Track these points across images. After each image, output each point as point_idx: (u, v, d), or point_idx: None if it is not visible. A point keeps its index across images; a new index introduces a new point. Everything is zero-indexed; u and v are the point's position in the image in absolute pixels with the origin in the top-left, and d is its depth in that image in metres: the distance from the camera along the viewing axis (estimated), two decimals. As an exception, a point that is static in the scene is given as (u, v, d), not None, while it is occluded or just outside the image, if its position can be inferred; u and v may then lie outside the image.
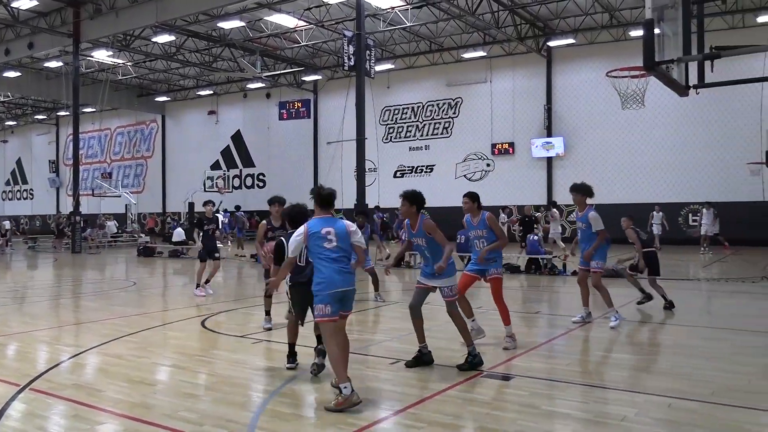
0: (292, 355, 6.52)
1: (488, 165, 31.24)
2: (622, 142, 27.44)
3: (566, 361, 7.12)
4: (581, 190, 9.02)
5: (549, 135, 29.29)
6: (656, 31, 6.45)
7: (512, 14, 26.21)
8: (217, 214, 20.97)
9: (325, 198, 5.67)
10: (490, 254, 7.35)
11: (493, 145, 30.90)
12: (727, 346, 7.54)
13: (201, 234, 12.46)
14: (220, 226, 16.59)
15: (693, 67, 7.07)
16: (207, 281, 12.33)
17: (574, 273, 15.26)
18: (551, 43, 28.33)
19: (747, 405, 5.19)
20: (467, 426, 4.79)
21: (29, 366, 6.88)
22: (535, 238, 16.60)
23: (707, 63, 6.80)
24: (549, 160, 29.43)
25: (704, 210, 21.77)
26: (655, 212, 23.22)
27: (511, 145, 30.40)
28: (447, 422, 4.81)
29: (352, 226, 5.69)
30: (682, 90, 7.12)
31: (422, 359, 6.56)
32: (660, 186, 26.36)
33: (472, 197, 7.58)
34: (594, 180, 27.99)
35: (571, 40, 27.65)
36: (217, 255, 12.49)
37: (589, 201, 9.12)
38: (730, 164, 24.72)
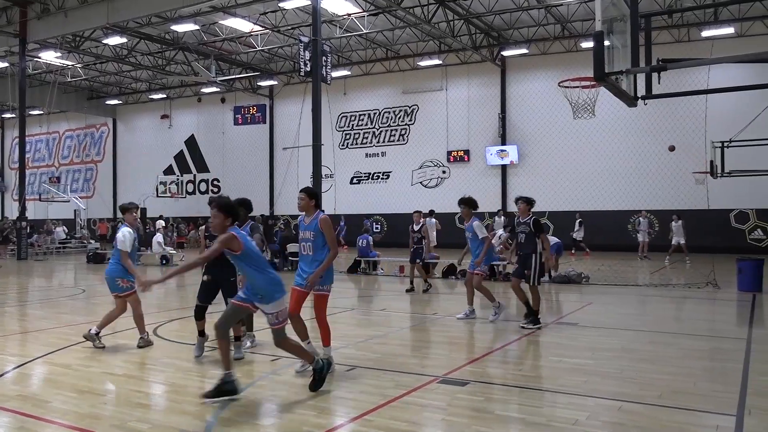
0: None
1: (444, 172, 31.54)
2: (573, 151, 28.08)
3: (519, 366, 7.24)
4: (468, 204, 9.90)
5: (503, 143, 29.78)
6: (606, 43, 6.63)
7: (467, 24, 26.60)
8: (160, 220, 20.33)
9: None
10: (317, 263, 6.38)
11: (449, 153, 31.23)
12: (673, 350, 7.78)
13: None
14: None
15: (641, 78, 7.30)
16: None
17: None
18: (505, 53, 28.84)
19: (692, 407, 5.37)
20: (423, 432, 4.81)
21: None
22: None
23: (654, 75, 7.02)
24: (503, 167, 29.90)
25: (673, 222, 22.13)
26: (641, 218, 23.60)
27: (467, 152, 30.79)
28: (403, 428, 4.82)
29: None
30: (630, 100, 7.33)
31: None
32: (610, 193, 27.10)
33: (310, 194, 6.54)
34: (547, 187, 28.83)
35: (524, 50, 28.21)
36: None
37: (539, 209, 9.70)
38: (677, 173, 25.54)
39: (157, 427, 4.90)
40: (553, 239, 16.44)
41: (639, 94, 7.30)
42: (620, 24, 7.06)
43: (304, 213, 6.53)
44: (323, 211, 6.57)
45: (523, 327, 9.02)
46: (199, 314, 7.37)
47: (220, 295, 7.41)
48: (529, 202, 9.44)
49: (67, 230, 33.82)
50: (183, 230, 35.31)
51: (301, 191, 6.55)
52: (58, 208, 38.72)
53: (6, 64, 31.94)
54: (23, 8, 25.58)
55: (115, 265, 7.79)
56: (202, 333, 7.38)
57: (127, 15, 23.57)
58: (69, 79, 35.84)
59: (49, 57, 30.55)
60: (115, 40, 28.02)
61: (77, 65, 33.38)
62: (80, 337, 8.01)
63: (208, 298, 7.42)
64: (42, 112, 41.87)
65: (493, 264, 16.27)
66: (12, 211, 37.90)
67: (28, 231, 27.72)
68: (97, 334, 7.81)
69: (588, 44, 24.93)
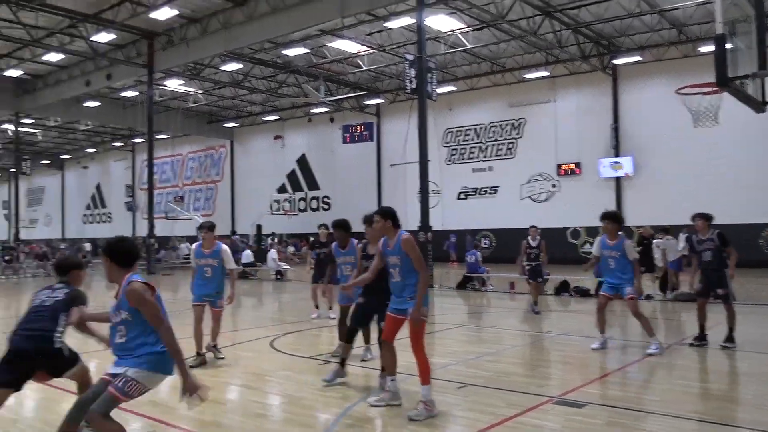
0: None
1: (554, 186, 30.72)
2: (694, 161, 26.46)
3: (641, 389, 6.87)
4: (614, 219, 8.87)
5: (617, 154, 28.58)
6: (728, 45, 6.24)
7: (575, 33, 25.88)
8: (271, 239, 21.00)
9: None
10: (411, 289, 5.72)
11: (559, 166, 30.38)
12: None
13: (314, 257, 12.32)
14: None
15: (771, 82, 6.80)
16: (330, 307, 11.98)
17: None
18: (616, 61, 27.74)
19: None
20: (539, 454, 4.67)
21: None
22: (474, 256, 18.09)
23: (786, 77, 6.52)
24: (617, 180, 28.68)
25: None
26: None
27: (578, 165, 29.82)
28: (518, 449, 4.70)
29: None
30: (758, 106, 6.86)
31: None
32: (737, 205, 25.20)
33: (385, 214, 5.96)
34: (666, 200, 27.33)
35: (637, 58, 27.01)
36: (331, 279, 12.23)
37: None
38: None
39: (276, 437, 5.07)
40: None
41: (769, 99, 6.81)
42: (743, 25, 6.63)
43: (384, 236, 5.93)
44: (404, 230, 5.92)
45: (724, 346, 8.52)
46: (350, 338, 6.89)
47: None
48: (707, 217, 8.89)
49: (190, 246, 35.91)
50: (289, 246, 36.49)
51: (375, 213, 6.01)
52: (182, 225, 41.31)
53: (136, 93, 34.64)
54: (150, 41, 27.67)
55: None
56: (344, 362, 6.83)
57: (242, 42, 24.89)
58: (191, 105, 38.28)
59: (174, 85, 32.85)
60: (231, 66, 29.68)
61: (198, 91, 35.62)
62: (203, 348, 8.44)
63: (362, 322, 7.04)
64: (167, 136, 45.00)
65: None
66: (142, 229, 40.77)
67: (156, 247, 29.74)
68: (215, 346, 8.20)
69: (708, 48, 23.49)
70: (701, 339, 8.76)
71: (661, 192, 27.35)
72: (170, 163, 49.50)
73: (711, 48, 6.30)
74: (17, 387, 4.64)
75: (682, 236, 20.80)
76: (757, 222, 24.89)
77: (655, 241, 15.55)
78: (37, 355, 4.51)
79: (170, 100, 37.57)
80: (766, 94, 7.04)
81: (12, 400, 6.52)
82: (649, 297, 14.86)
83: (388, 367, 5.98)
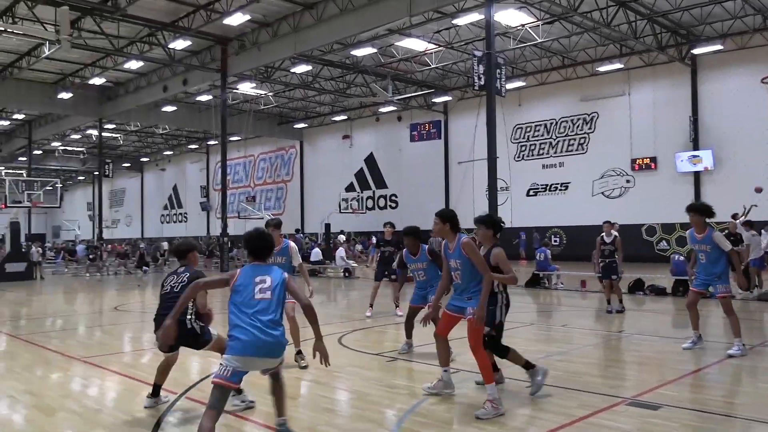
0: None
1: (628, 181, 29.73)
2: (781, 153, 25.04)
3: (721, 391, 6.57)
4: (700, 211, 8.20)
5: (695, 148, 27.38)
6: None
7: (651, 23, 24.94)
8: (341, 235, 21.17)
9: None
10: (472, 290, 5.80)
11: (633, 161, 29.39)
12: None
13: (378, 254, 12.60)
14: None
15: None
16: (397, 304, 12.08)
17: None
18: (696, 51, 26.55)
19: None
20: (611, 456, 4.53)
21: (184, 376, 7.43)
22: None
23: None
24: (696, 174, 27.48)
25: None
26: None
27: (653, 159, 28.76)
28: (589, 451, 4.58)
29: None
30: None
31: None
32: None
33: (443, 217, 5.99)
34: (749, 195, 25.91)
35: (718, 47, 25.77)
36: (393, 276, 12.57)
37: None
38: None
39: (344, 432, 5.13)
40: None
41: None
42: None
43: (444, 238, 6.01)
44: (464, 233, 5.98)
45: None
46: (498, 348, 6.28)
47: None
48: None
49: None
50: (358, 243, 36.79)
51: (435, 215, 6.00)
52: (254, 224, 42.32)
53: (210, 97, 35.80)
54: (224, 46, 28.52)
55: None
56: (496, 367, 6.30)
57: (311, 44, 25.30)
58: (262, 107, 39.23)
59: (246, 88, 33.74)
60: (301, 68, 30.23)
61: (269, 94, 36.47)
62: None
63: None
64: (240, 138, 46.29)
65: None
66: (216, 228, 42.11)
67: (229, 246, 30.64)
68: (299, 353, 7.96)
69: (796, 33, 22.17)
70: None
71: (743, 186, 25.87)
72: (242, 164, 50.89)
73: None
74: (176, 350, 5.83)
75: (766, 233, 19.59)
76: None
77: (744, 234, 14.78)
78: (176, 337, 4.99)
79: (242, 103, 38.64)
80: None
81: (95, 390, 6.87)
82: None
83: (442, 360, 6.21)
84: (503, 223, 6.27)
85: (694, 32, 26.22)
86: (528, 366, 6.19)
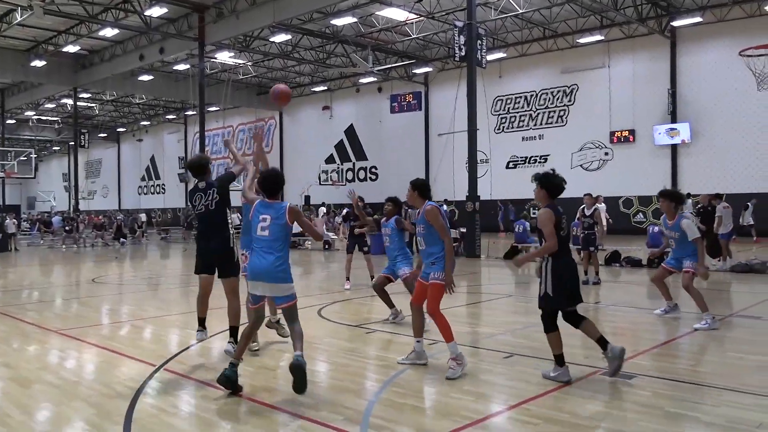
0: None
1: (606, 154, 29.97)
2: (757, 126, 25.37)
3: (692, 361, 6.72)
4: (670, 197, 8.38)
5: (673, 121, 27.61)
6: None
7: (632, -5, 24.91)
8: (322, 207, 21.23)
9: None
10: (436, 255, 6.01)
11: (612, 133, 29.58)
12: None
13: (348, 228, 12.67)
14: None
15: (842, 41, 6.40)
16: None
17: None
18: (675, 23, 26.61)
19: None
20: (585, 424, 4.63)
21: (163, 348, 7.43)
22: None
23: None
24: (674, 147, 27.76)
25: None
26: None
27: (632, 132, 28.97)
28: (563, 419, 4.68)
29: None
30: (829, 67, 6.47)
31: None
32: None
33: (413, 184, 6.35)
34: (725, 168, 26.44)
35: (698, 19, 25.84)
36: (366, 249, 12.66)
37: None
38: None
39: (322, 402, 5.18)
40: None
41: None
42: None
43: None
44: (432, 201, 6.20)
45: None
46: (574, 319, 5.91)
47: None
48: None
49: (240, 217, 36.64)
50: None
51: (410, 183, 6.36)
52: (234, 196, 41.99)
53: (187, 66, 35.19)
54: (201, 14, 27.97)
55: None
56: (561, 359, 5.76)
57: (291, 13, 24.91)
58: (241, 77, 38.68)
59: (224, 57, 33.22)
60: (280, 38, 29.80)
61: (248, 63, 35.93)
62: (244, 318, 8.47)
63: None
64: (218, 109, 45.67)
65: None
66: (194, 200, 41.76)
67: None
68: (278, 321, 7.96)
69: (775, 7, 22.30)
70: None
71: (720, 159, 26.40)
72: (221, 134, 50.30)
73: (776, 6, 5.94)
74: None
75: (751, 205, 19.97)
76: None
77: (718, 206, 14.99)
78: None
79: (220, 73, 38.07)
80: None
81: (72, 362, 6.84)
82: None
83: (415, 330, 6.29)
84: (564, 183, 5.92)
85: (674, 4, 26.26)
86: (602, 342, 5.71)
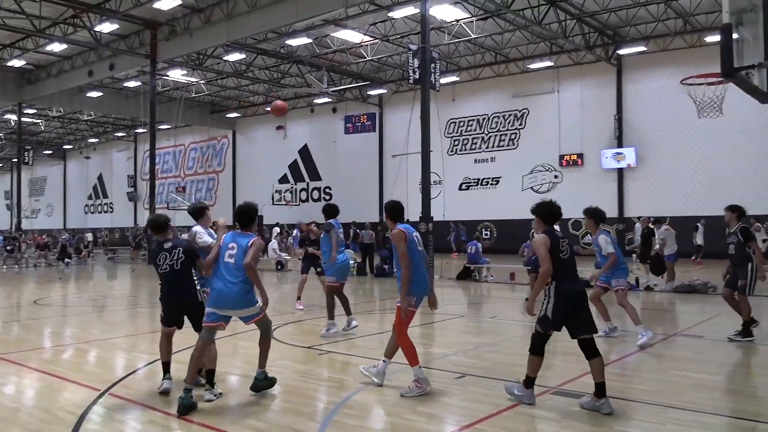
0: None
1: (556, 177, 30.67)
2: (698, 152, 26.40)
3: (638, 379, 6.87)
4: (592, 215, 8.75)
5: (620, 145, 28.51)
6: (735, 35, 6.20)
7: (580, 23, 25.74)
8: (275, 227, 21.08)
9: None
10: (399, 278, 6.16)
11: (561, 157, 30.32)
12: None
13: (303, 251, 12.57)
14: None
15: (775, 72, 6.74)
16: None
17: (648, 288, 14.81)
18: (621, 51, 27.61)
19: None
20: (536, 444, 4.68)
21: (108, 372, 7.19)
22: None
23: (791, 68, 6.45)
24: (620, 171, 28.62)
25: None
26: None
27: (580, 156, 29.75)
28: (515, 439, 4.71)
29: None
30: (763, 97, 6.80)
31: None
32: (740, 197, 25.06)
33: (384, 208, 6.77)
34: (668, 192, 27.32)
35: (642, 48, 26.87)
36: (319, 269, 12.53)
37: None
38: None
39: (273, 426, 5.09)
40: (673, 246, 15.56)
41: (773, 90, 6.75)
42: (750, 15, 6.57)
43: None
44: (404, 224, 6.27)
45: (731, 339, 8.44)
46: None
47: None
48: (734, 209, 8.88)
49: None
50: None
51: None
52: (184, 215, 41.32)
53: (138, 83, 34.61)
54: (153, 30, 27.60)
55: None
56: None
57: (245, 32, 24.82)
58: (193, 95, 38.24)
59: (176, 75, 32.81)
60: (234, 57, 29.63)
61: (201, 81, 35.56)
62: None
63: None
64: (170, 127, 44.97)
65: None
66: (144, 219, 40.89)
67: (157, 237, 29.70)
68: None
69: (714, 38, 23.33)
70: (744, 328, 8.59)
71: (663, 183, 27.33)
72: (172, 153, 49.53)
73: (717, 38, 6.27)
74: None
75: (700, 225, 20.69)
76: (762, 213, 24.80)
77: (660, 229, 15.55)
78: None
79: (172, 90, 37.55)
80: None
81: (12, 388, 6.56)
82: (648, 288, 14.87)
83: (387, 351, 6.29)
84: (559, 210, 5.82)
85: (620, 33, 27.25)
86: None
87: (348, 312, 9.35)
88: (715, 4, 22.53)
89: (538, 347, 5.64)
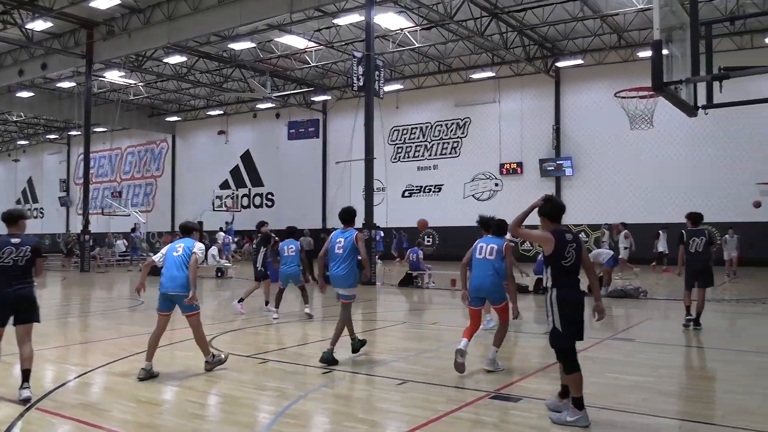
0: None
1: (496, 185, 31.25)
2: (631, 162, 27.40)
3: (575, 382, 7.04)
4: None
5: (557, 155, 29.31)
6: (665, 52, 6.47)
7: (521, 35, 26.37)
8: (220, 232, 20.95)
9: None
10: None
11: (502, 165, 30.93)
12: (736, 368, 7.45)
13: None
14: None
15: (702, 87, 7.08)
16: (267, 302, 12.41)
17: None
18: (559, 64, 28.45)
19: (757, 428, 5.11)
20: (475, 448, 4.73)
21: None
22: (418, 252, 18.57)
23: (716, 83, 6.79)
24: (558, 179, 29.41)
25: (727, 236, 20.66)
26: (728, 235, 20.57)
27: (519, 164, 30.42)
28: (454, 444, 4.75)
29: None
30: (690, 110, 7.12)
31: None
32: (669, 206, 26.13)
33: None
34: (603, 199, 28.24)
35: (579, 61, 27.75)
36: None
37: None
38: (740, 184, 24.57)
39: (211, 437, 4.97)
40: (607, 252, 16.09)
41: (700, 104, 7.09)
42: (679, 32, 6.88)
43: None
44: (355, 229, 7.72)
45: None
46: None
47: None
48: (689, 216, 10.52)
49: (126, 243, 34.92)
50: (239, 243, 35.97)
51: None
52: (119, 221, 40.13)
53: (73, 84, 33.43)
54: (90, 30, 26.75)
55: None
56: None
57: (187, 35, 24.35)
58: (131, 98, 37.21)
59: (113, 76, 31.85)
60: (175, 59, 29.02)
61: (139, 84, 34.65)
62: (138, 347, 8.19)
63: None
64: (106, 130, 43.67)
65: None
66: (76, 225, 39.43)
67: (90, 244, 28.77)
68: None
69: (645, 54, 24.32)
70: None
71: (598, 192, 28.26)
72: (108, 157, 48.06)
73: (648, 53, 6.52)
74: None
75: (663, 233, 21.71)
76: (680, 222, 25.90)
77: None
78: None
79: (109, 92, 36.47)
80: (698, 99, 7.31)
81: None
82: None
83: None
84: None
85: (559, 47, 28.08)
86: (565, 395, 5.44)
87: (276, 305, 11.57)
88: (648, 21, 23.50)
89: (569, 365, 5.22)
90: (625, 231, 19.73)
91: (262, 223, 12.91)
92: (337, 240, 7.64)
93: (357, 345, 7.93)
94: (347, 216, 7.73)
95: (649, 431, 5.08)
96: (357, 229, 7.73)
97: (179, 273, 7.03)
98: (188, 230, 7.54)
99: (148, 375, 6.79)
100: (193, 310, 7.12)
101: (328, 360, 7.36)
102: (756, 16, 20.95)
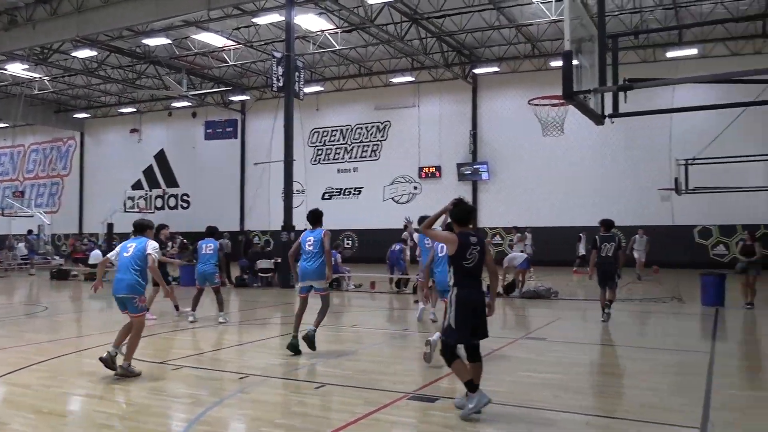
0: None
1: (415, 188, 31.66)
2: (544, 168, 28.40)
3: (490, 381, 7.22)
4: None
5: (474, 160, 30.02)
6: (575, 62, 6.74)
7: (440, 41, 26.85)
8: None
9: None
10: None
11: (421, 169, 31.37)
12: (640, 365, 7.86)
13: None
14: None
15: (609, 97, 7.43)
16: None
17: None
18: (477, 71, 29.17)
19: (659, 421, 5.41)
20: (392, 449, 4.76)
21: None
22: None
23: (621, 94, 7.15)
24: (474, 183, 30.12)
25: (637, 237, 21.61)
26: (638, 236, 21.44)
27: (438, 168, 30.95)
28: (372, 446, 4.77)
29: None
30: (598, 119, 7.45)
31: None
32: (579, 210, 27.30)
33: None
34: (518, 204, 29.11)
35: (495, 68, 28.56)
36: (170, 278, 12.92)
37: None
38: (643, 189, 25.95)
39: (120, 447, 4.78)
40: (520, 255, 16.63)
41: (606, 113, 7.43)
42: (588, 44, 7.19)
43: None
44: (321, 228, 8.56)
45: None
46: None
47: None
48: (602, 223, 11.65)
49: (29, 246, 32.97)
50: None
51: None
52: (22, 223, 37.85)
53: (-30, 76, 31.30)
54: (-11, 19, 25.14)
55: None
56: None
57: (97, 28, 23.29)
58: (36, 92, 35.22)
59: (16, 69, 29.98)
60: (84, 53, 27.70)
61: (45, 78, 32.84)
62: (41, 356, 7.78)
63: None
64: (7, 125, 41.13)
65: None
66: (-26, 226, 36.98)
67: (-10, 246, 27.00)
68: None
69: (557, 63, 25.28)
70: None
71: (512, 196, 29.16)
72: (9, 154, 45.34)
73: (560, 63, 6.76)
74: None
75: (583, 236, 22.82)
76: (596, 225, 27.13)
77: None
78: None
79: (11, 86, 34.36)
80: (605, 108, 7.67)
81: None
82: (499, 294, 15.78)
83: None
84: (472, 211, 6.12)
85: (476, 54, 28.79)
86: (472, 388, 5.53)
87: (193, 308, 11.39)
88: (560, 32, 24.48)
89: (449, 358, 5.53)
90: (519, 234, 21.24)
91: (161, 226, 12.49)
92: (308, 238, 8.44)
93: (295, 343, 8.31)
94: (315, 217, 8.67)
95: (559, 427, 5.27)
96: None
97: (126, 275, 7.02)
98: (142, 228, 7.44)
99: (126, 372, 6.93)
100: (139, 311, 7.18)
101: (310, 339, 8.25)
102: (658, 31, 22.25)
